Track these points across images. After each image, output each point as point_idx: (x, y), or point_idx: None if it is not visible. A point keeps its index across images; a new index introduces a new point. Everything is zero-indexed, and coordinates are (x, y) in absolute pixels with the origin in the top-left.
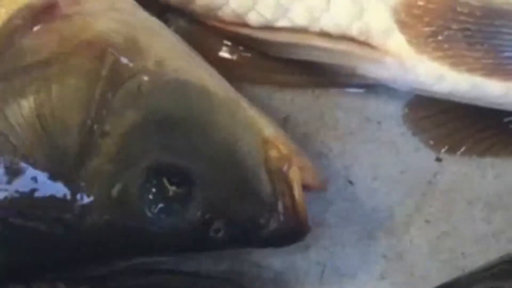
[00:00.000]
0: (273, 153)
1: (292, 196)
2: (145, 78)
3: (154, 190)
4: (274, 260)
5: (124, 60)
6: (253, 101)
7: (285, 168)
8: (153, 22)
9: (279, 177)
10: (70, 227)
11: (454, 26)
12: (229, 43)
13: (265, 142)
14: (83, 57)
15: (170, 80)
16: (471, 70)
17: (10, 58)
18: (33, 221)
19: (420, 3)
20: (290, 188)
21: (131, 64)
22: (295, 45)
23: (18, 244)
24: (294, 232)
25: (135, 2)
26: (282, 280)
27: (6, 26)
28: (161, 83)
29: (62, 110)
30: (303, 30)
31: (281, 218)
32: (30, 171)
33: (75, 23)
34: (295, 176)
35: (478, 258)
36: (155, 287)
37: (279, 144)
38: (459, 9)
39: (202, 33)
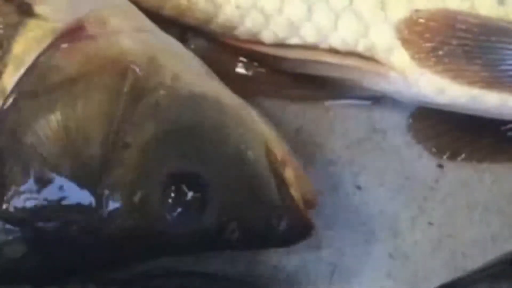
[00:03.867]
0: (274, 158)
1: (291, 195)
2: (163, 92)
3: (173, 196)
4: (288, 261)
5: (143, 77)
6: (267, 113)
7: (283, 170)
8: (171, 41)
9: (280, 180)
10: (96, 232)
11: (454, 42)
12: (244, 60)
13: (268, 148)
14: (106, 75)
15: (186, 94)
16: (470, 83)
17: (38, 76)
18: (62, 226)
19: (422, 20)
20: (288, 188)
21: (150, 80)
22: (306, 61)
23: (49, 249)
24: (301, 229)
25: (155, 25)
26: (295, 280)
27: (36, 47)
28: (177, 97)
29: (87, 124)
30: (313, 47)
31: (287, 217)
32: (57, 181)
33: (99, 43)
34: (290, 176)
35: (477, 258)
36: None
37: (275, 148)
38: (458, 26)
39: (220, 50)
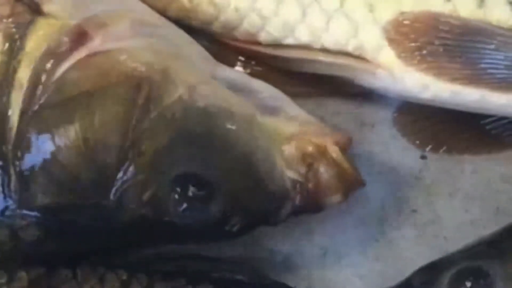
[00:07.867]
0: (309, 146)
1: (341, 165)
2: (178, 106)
3: (181, 194)
4: (283, 245)
5: (157, 89)
6: None
7: (324, 149)
8: (181, 37)
9: (322, 158)
10: (111, 225)
11: (437, 42)
12: (243, 59)
13: (293, 138)
14: (121, 87)
15: (200, 107)
16: (452, 79)
17: (56, 89)
18: (79, 219)
19: (407, 22)
20: (335, 161)
21: (164, 93)
22: (300, 60)
23: (66, 237)
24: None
25: (168, 23)
26: (290, 262)
27: (46, 44)
28: (192, 110)
29: (104, 134)
30: (307, 47)
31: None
32: (76, 185)
33: (113, 57)
34: (335, 151)
35: (458, 242)
36: (181, 270)
37: (311, 136)
38: (440, 27)
39: (220, 50)
